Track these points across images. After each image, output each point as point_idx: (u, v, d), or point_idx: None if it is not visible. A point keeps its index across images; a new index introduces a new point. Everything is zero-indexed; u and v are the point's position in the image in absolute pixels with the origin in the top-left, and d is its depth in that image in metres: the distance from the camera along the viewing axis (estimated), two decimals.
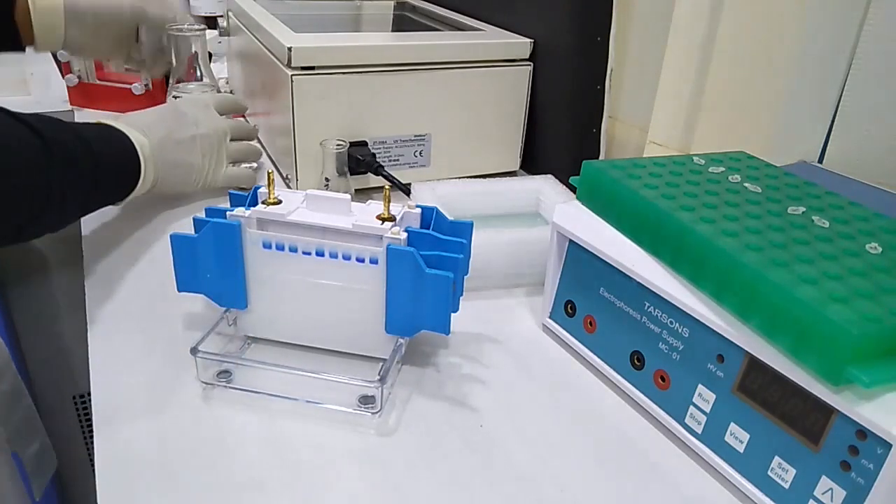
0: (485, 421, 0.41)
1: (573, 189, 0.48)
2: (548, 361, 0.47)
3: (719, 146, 0.51)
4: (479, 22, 0.83)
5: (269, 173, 0.43)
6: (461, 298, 0.44)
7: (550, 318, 0.49)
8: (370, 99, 0.65)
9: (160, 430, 0.39)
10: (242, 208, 0.43)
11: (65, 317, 0.85)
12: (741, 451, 0.36)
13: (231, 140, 0.65)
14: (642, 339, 0.42)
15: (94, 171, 0.49)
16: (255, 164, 0.70)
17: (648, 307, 0.41)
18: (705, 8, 0.54)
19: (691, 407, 0.39)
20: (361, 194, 0.67)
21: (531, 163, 0.76)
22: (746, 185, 0.43)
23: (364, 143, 0.66)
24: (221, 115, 0.66)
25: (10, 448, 0.62)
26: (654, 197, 0.41)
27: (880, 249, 0.36)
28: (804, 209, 0.40)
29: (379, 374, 0.40)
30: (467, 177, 0.65)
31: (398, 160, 0.69)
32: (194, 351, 0.41)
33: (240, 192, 0.45)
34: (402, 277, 0.41)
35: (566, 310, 0.48)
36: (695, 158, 0.47)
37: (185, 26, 0.74)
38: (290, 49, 0.61)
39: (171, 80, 0.77)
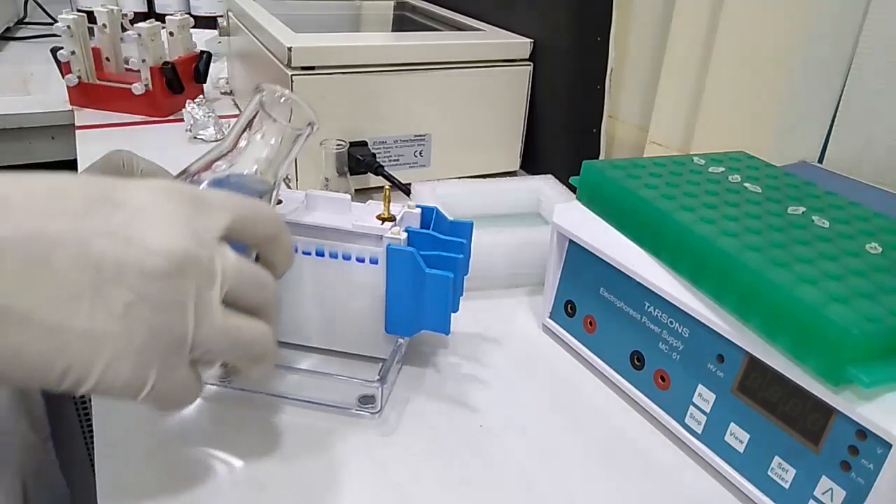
0: (485, 421, 0.41)
1: (573, 189, 0.48)
2: (548, 361, 0.47)
3: (719, 146, 0.51)
4: (479, 22, 0.83)
5: None
6: (461, 298, 0.44)
7: (550, 318, 0.49)
8: (370, 99, 0.65)
9: (160, 429, 0.39)
10: None
11: None
12: (741, 451, 0.36)
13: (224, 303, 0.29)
14: (642, 339, 0.42)
15: None
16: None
17: (648, 307, 0.41)
18: (705, 8, 0.54)
19: (691, 407, 0.39)
20: (361, 194, 0.67)
21: (531, 163, 0.76)
22: (746, 185, 0.43)
23: (364, 143, 0.66)
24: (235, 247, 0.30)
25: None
26: (654, 197, 0.41)
27: (880, 249, 0.36)
28: (804, 209, 0.40)
29: (379, 374, 0.40)
30: (467, 177, 0.65)
31: (398, 160, 0.69)
32: None
33: None
34: (402, 277, 0.41)
35: (566, 310, 0.48)
36: (695, 158, 0.47)
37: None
38: (290, 49, 0.61)
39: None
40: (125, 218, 0.27)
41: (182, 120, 0.81)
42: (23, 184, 0.26)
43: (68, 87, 0.85)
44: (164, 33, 0.86)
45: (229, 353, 0.30)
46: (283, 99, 0.39)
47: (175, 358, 0.28)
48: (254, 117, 0.38)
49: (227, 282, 0.29)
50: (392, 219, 0.42)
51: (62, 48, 0.82)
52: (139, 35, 0.80)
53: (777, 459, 0.34)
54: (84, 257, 0.25)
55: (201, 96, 0.84)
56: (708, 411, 0.38)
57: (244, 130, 0.38)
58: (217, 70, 0.98)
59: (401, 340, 0.43)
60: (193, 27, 0.90)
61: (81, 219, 0.26)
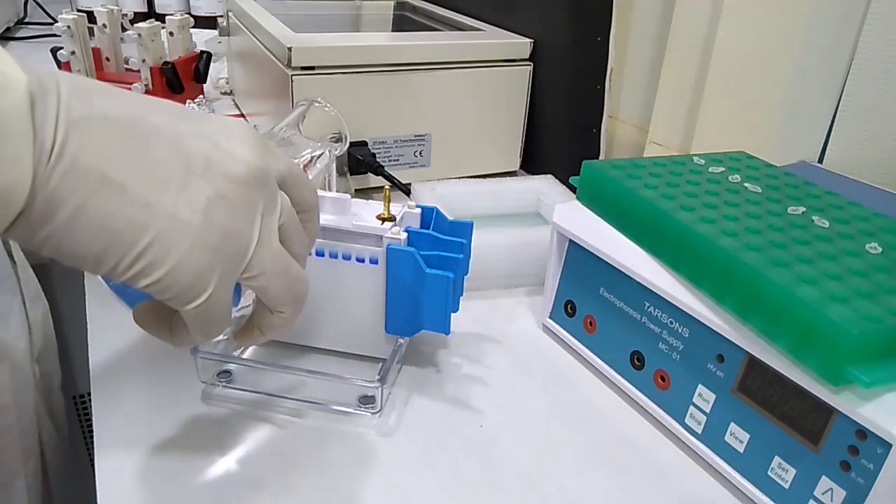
0: (485, 421, 0.41)
1: (573, 189, 0.48)
2: (548, 361, 0.47)
3: (719, 146, 0.51)
4: (479, 22, 0.83)
5: None
6: (461, 298, 0.44)
7: (550, 318, 0.49)
8: (370, 99, 0.65)
9: (160, 429, 0.39)
10: None
11: (65, 317, 0.85)
12: (741, 451, 0.36)
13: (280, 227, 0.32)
14: (642, 339, 0.42)
15: None
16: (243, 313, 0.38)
17: (648, 307, 0.41)
18: (705, 8, 0.54)
19: (691, 407, 0.39)
20: (361, 194, 0.67)
21: (531, 163, 0.76)
22: (746, 185, 0.43)
23: (364, 143, 0.66)
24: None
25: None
26: (654, 197, 0.41)
27: (880, 249, 0.36)
28: (804, 209, 0.40)
29: (379, 374, 0.40)
30: (467, 177, 0.65)
31: (398, 160, 0.69)
32: (194, 351, 0.40)
33: None
34: (402, 277, 0.41)
35: (566, 310, 0.48)
36: (695, 158, 0.47)
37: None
38: (290, 49, 0.61)
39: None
40: (215, 129, 0.29)
41: None
42: (121, 89, 0.28)
43: None
44: (164, 33, 0.86)
45: (277, 279, 0.31)
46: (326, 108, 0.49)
47: (234, 271, 0.29)
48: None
49: (283, 217, 0.31)
50: (392, 219, 0.42)
51: (62, 48, 0.82)
52: (139, 35, 0.80)
53: (777, 459, 0.34)
54: (178, 148, 0.28)
55: (201, 96, 0.84)
56: (708, 411, 0.38)
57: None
58: (217, 70, 0.98)
59: (401, 340, 0.43)
60: (193, 27, 0.90)
61: (178, 120, 0.29)
